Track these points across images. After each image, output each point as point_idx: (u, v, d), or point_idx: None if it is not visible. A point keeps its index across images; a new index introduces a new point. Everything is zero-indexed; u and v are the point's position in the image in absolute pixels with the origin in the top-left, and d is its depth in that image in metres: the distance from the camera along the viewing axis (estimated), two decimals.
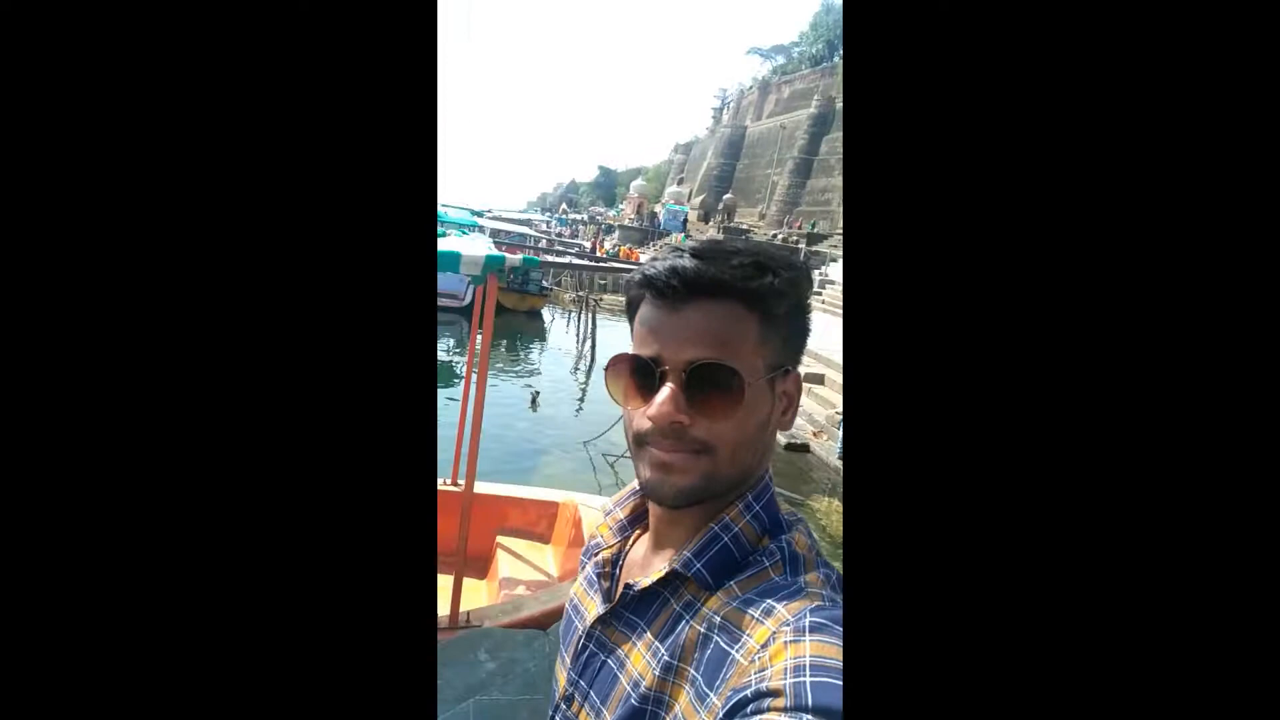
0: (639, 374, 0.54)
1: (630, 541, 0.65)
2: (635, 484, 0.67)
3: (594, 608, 0.61)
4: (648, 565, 0.60)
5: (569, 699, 0.58)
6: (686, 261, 0.52)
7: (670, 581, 0.55)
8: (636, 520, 0.65)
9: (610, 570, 0.63)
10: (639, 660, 0.53)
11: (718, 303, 0.52)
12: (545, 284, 18.55)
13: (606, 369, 0.56)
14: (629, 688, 0.52)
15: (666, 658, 0.51)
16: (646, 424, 0.53)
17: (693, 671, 0.49)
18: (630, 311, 0.58)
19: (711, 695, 0.47)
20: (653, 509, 0.60)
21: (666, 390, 0.51)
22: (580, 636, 0.60)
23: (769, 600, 0.49)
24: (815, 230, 28.13)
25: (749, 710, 0.43)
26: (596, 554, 0.64)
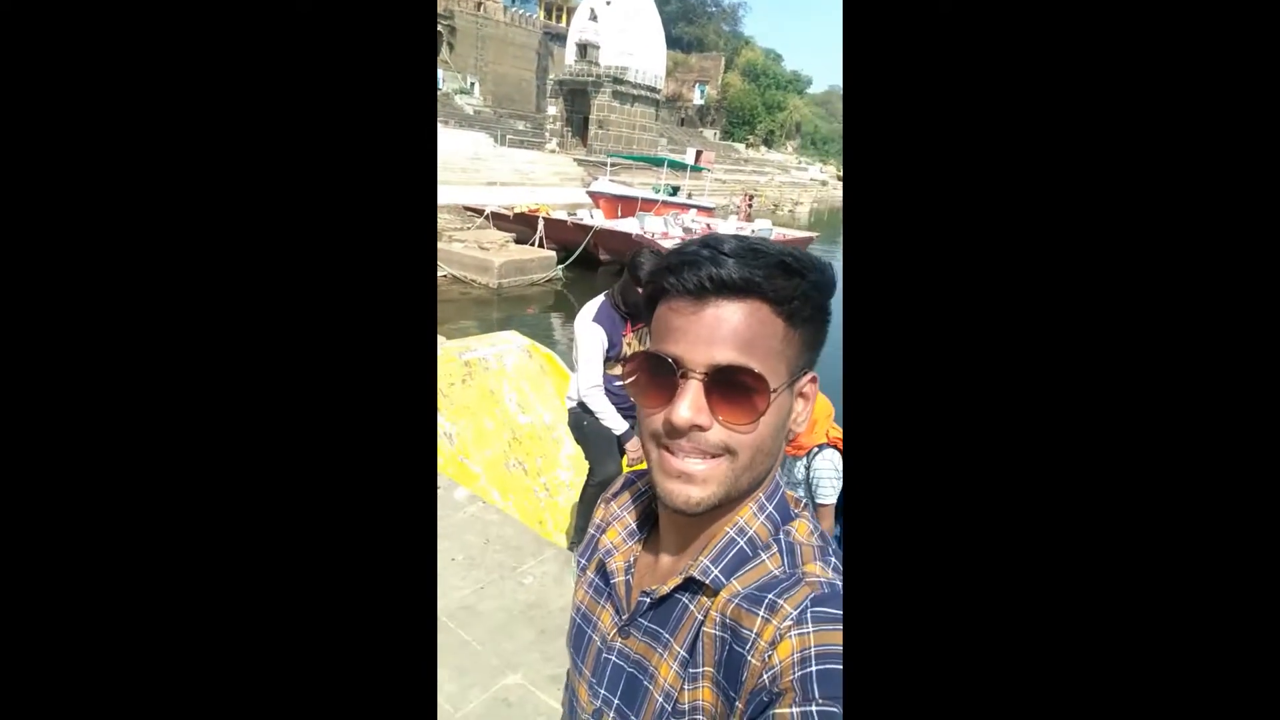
0: (658, 373, 0.51)
1: (639, 545, 0.64)
2: (641, 484, 0.66)
3: (607, 617, 0.61)
4: (659, 570, 0.59)
5: (598, 713, 0.59)
6: (721, 269, 0.49)
7: (687, 586, 0.55)
8: (644, 522, 0.65)
9: (624, 578, 0.62)
10: (667, 671, 0.53)
11: (745, 303, 0.50)
12: None
13: (624, 364, 0.55)
14: (662, 700, 0.53)
15: (693, 668, 0.51)
16: (664, 426, 0.51)
17: (717, 675, 0.50)
18: (649, 304, 0.55)
19: (736, 701, 0.47)
20: (664, 510, 0.59)
21: (688, 393, 0.50)
22: (598, 648, 0.60)
23: (769, 595, 0.49)
24: None
25: (768, 715, 0.43)
26: (610, 560, 0.63)
